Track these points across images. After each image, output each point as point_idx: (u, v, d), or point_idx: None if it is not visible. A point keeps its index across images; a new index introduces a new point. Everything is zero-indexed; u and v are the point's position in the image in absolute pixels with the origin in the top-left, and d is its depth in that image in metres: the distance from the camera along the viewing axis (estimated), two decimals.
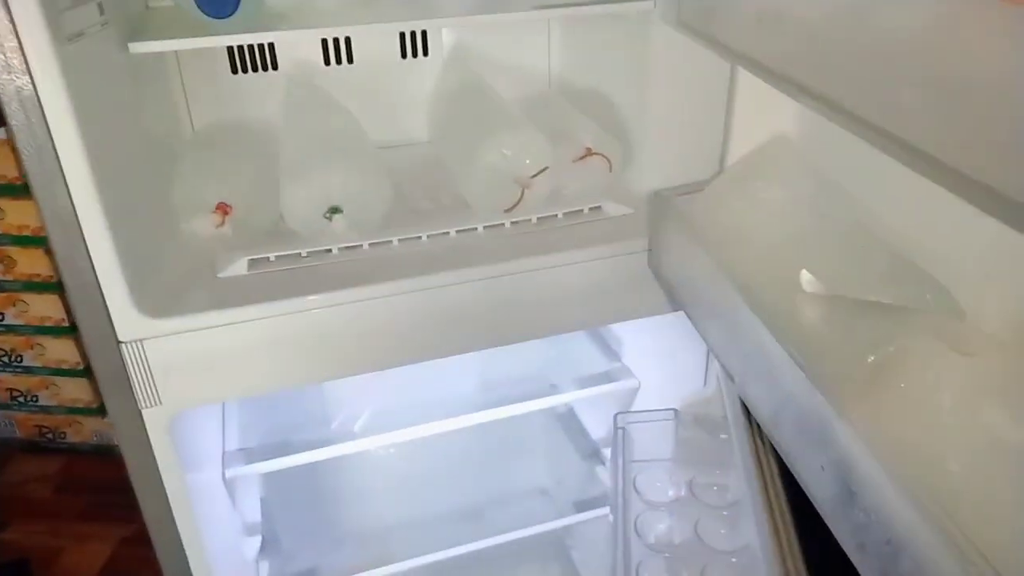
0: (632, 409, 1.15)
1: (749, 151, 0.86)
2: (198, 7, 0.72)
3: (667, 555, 0.86)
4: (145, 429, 0.75)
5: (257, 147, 0.97)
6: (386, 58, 1.08)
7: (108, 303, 0.69)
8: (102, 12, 0.69)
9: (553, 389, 1.28)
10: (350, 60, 1.06)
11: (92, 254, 0.67)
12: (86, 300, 0.68)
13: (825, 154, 0.75)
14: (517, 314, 0.85)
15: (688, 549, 0.85)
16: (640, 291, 0.87)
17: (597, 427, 1.34)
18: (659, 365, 1.10)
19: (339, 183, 0.84)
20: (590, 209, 0.91)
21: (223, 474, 0.99)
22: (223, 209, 0.83)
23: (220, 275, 0.79)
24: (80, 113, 0.63)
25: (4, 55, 0.59)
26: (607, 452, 1.29)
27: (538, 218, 0.89)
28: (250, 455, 1.02)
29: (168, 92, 0.99)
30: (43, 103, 0.61)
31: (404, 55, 1.08)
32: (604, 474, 1.30)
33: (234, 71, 1.03)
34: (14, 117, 0.61)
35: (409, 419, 1.07)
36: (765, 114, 0.82)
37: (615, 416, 0.94)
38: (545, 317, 0.86)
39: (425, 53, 1.08)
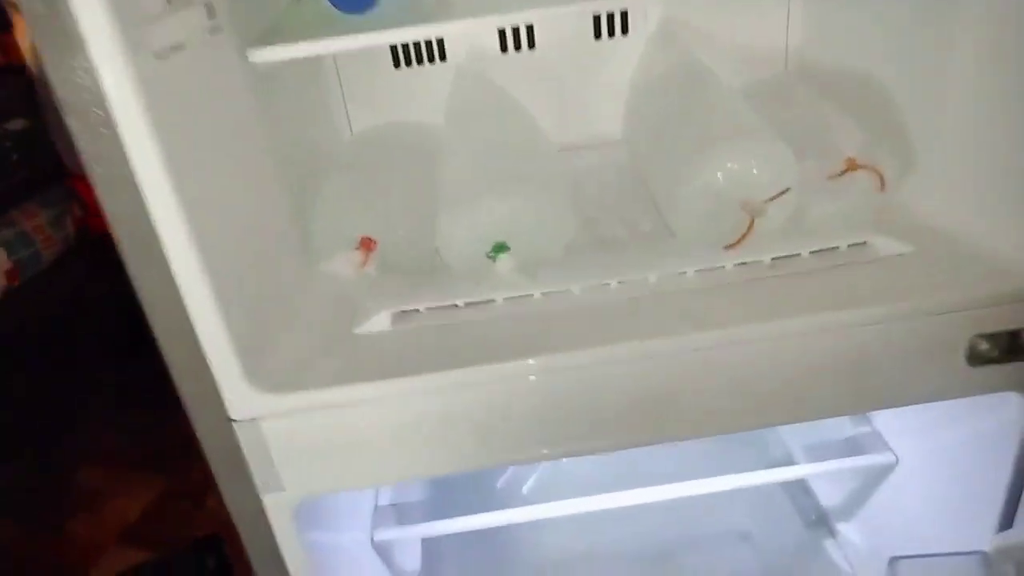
0: (886, 499, 0.87)
1: None
2: (330, 2, 0.55)
3: None
4: (266, 518, 0.62)
5: (417, 158, 0.80)
6: (575, 40, 0.87)
7: (216, 376, 0.55)
8: (212, 15, 0.54)
9: (776, 447, 1.03)
10: (531, 45, 0.86)
11: (195, 324, 0.53)
12: (191, 370, 0.55)
13: None
14: (739, 397, 0.61)
15: None
16: (934, 365, 0.60)
17: (829, 491, 1.07)
18: (930, 440, 0.81)
19: (507, 213, 0.66)
20: (850, 246, 0.65)
21: (371, 536, 0.85)
22: (367, 245, 0.68)
23: (357, 331, 0.64)
24: (175, 154, 0.48)
25: (77, 78, 0.46)
26: (841, 528, 1.01)
27: (773, 259, 0.65)
28: (403, 513, 0.88)
29: (321, 93, 0.85)
30: (124, 143, 0.47)
31: (598, 34, 0.86)
32: (835, 553, 1.03)
33: (396, 64, 0.87)
34: (94, 163, 0.48)
35: (589, 483, 0.88)
36: None
37: (890, 562, 0.67)
38: (782, 401, 0.62)
39: (624, 31, 0.86)
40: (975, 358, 0.59)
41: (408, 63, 0.87)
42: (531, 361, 0.58)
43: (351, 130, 0.89)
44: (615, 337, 0.59)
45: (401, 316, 0.65)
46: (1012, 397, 0.62)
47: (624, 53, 0.87)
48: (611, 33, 0.86)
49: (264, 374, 0.57)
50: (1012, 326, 0.59)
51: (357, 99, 0.89)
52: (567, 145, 0.91)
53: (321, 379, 0.58)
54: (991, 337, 0.59)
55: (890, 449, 0.87)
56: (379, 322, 0.64)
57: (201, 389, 0.56)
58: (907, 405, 0.63)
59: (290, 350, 0.60)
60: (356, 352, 0.61)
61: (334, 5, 0.55)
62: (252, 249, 0.60)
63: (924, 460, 0.82)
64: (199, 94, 0.53)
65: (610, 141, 0.91)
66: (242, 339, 0.55)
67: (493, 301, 0.65)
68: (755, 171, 0.64)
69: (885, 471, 0.87)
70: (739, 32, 0.87)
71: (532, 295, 0.65)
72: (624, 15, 0.85)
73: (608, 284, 0.65)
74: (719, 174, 0.65)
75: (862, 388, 0.61)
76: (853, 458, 0.87)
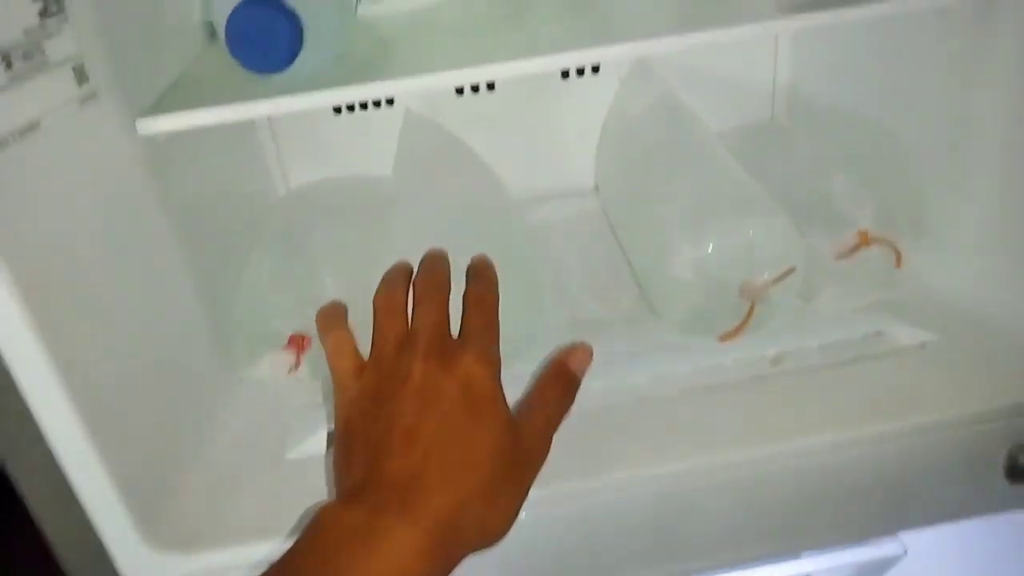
0: None
1: None
2: (238, 61, 0.44)
3: None
4: None
5: (360, 221, 0.69)
6: (540, 80, 0.77)
7: (105, 539, 0.44)
8: (83, 81, 0.43)
9: None
10: (490, 86, 0.76)
11: (71, 477, 0.42)
12: (73, 539, 0.44)
13: None
14: (746, 524, 0.52)
15: None
16: (968, 482, 0.52)
17: None
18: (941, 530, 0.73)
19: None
20: (864, 336, 0.56)
21: None
22: (298, 344, 0.57)
23: (289, 456, 0.53)
24: (25, 259, 0.37)
25: None
26: None
27: (776, 353, 0.56)
28: None
29: (249, 147, 0.74)
30: None
31: (565, 74, 0.76)
32: None
33: (337, 110, 0.76)
34: None
35: None
36: None
37: None
38: (795, 527, 0.53)
39: (595, 69, 0.76)
40: (1016, 474, 0.51)
41: (351, 108, 0.76)
42: None
43: (287, 186, 0.78)
44: (597, 465, 0.49)
45: None
46: None
47: (596, 94, 0.78)
48: (580, 72, 0.76)
49: (167, 529, 0.46)
50: None
51: (294, 150, 0.78)
52: (533, 196, 0.81)
53: (241, 531, 0.47)
54: None
55: (899, 539, 0.78)
56: (315, 443, 0.53)
57: (86, 558, 0.45)
58: (937, 525, 0.54)
59: (202, 491, 0.49)
60: (287, 485, 0.51)
61: (242, 64, 0.44)
62: (147, 362, 0.48)
63: (934, 553, 0.73)
64: (63, 180, 0.42)
65: (581, 191, 0.82)
66: (135, 485, 0.45)
67: None
68: (754, 249, 0.55)
69: (891, 563, 0.79)
70: (723, 68, 0.77)
71: None
72: None
73: (587, 385, 0.55)
74: (711, 252, 0.55)
75: (883, 511, 0.52)
76: (857, 549, 0.79)
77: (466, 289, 0.45)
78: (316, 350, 0.58)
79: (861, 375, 0.53)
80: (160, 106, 0.49)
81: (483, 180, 0.72)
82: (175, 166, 0.54)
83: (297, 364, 0.57)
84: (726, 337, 0.56)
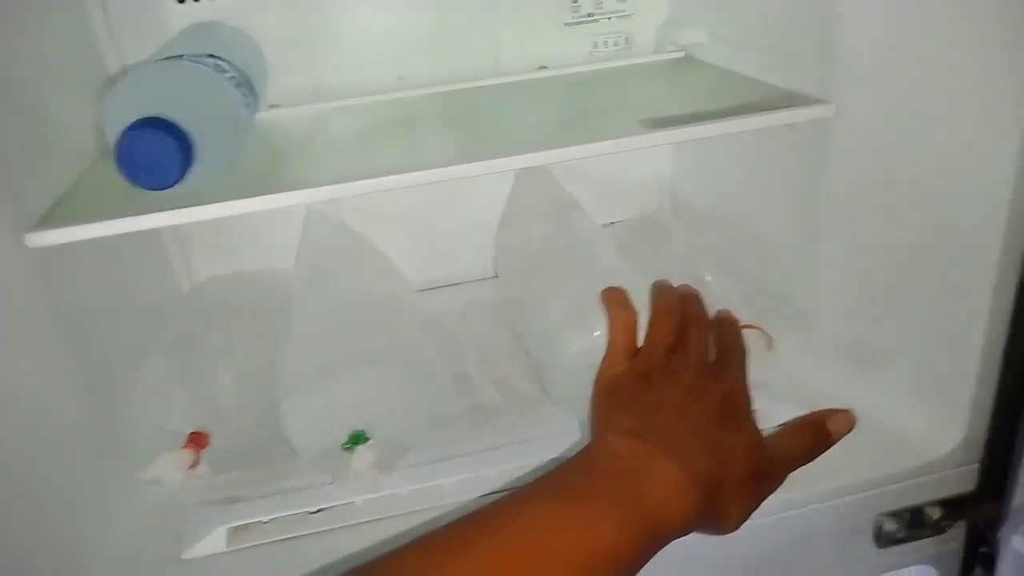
0: None
1: None
2: (130, 182, 0.46)
3: None
4: None
5: (263, 315, 0.70)
6: None
7: None
8: None
9: None
10: None
11: None
12: None
13: None
14: None
15: None
16: (843, 550, 0.56)
17: None
18: None
19: (360, 396, 0.57)
20: None
21: None
22: (198, 441, 0.57)
23: (185, 556, 0.52)
24: None
25: None
26: None
27: None
28: None
29: (150, 246, 0.74)
30: None
31: None
32: None
33: None
34: None
35: None
36: None
37: None
38: None
39: None
40: (883, 538, 0.55)
41: None
42: None
43: (190, 282, 0.79)
44: None
45: (241, 532, 0.54)
46: (927, 570, 0.57)
47: (492, 188, 0.82)
48: None
49: None
50: (915, 502, 0.55)
51: (197, 247, 0.78)
52: (435, 282, 0.84)
53: None
54: (895, 515, 0.54)
55: None
56: (213, 542, 0.53)
57: None
58: None
59: None
60: None
61: (132, 183, 0.45)
62: (35, 466, 0.48)
63: None
64: None
65: (480, 279, 0.85)
66: None
67: (352, 503, 0.56)
68: None
69: None
70: (610, 167, 0.83)
71: (400, 492, 0.56)
72: None
73: (484, 474, 0.57)
74: (596, 340, 0.58)
75: None
76: None
77: (721, 330, 0.51)
78: (214, 448, 0.58)
79: None
80: (50, 219, 0.50)
81: (383, 272, 0.74)
82: (66, 274, 0.54)
83: (197, 461, 0.56)
84: None
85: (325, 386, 0.57)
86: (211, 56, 0.56)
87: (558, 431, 0.60)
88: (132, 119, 0.45)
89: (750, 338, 0.61)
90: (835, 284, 0.60)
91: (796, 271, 0.64)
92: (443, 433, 0.62)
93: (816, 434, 0.46)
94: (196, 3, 0.69)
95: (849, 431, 0.48)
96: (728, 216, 0.74)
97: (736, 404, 0.45)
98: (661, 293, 0.53)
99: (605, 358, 0.50)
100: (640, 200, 0.85)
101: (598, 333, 0.58)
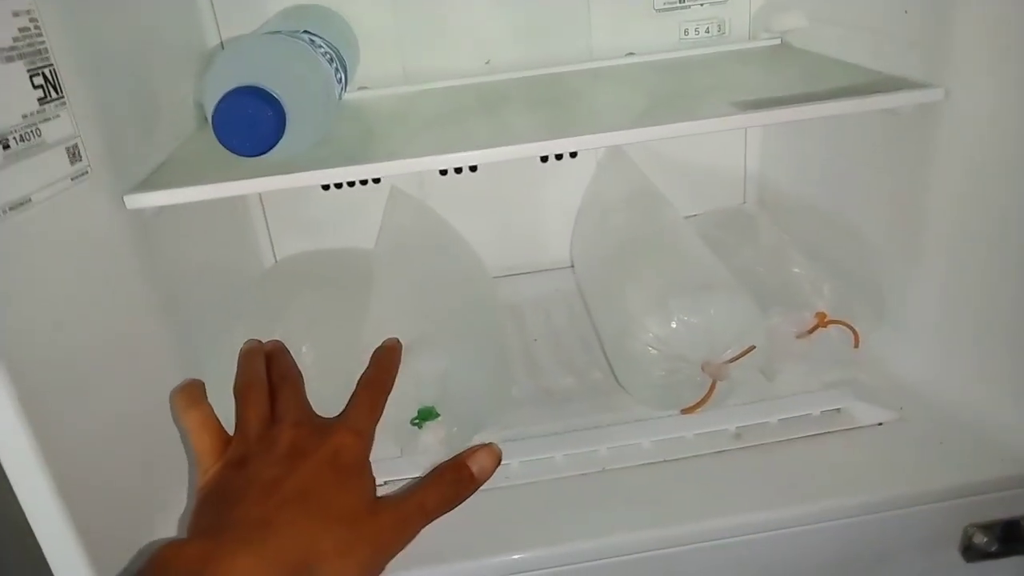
0: None
1: None
2: (224, 146, 0.47)
3: None
4: None
5: (342, 293, 0.72)
6: (520, 163, 0.80)
7: None
8: (76, 159, 0.46)
9: None
10: (473, 169, 0.79)
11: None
12: None
13: None
14: None
15: None
16: (926, 561, 0.53)
17: None
18: None
19: (436, 372, 0.57)
20: (823, 412, 0.57)
21: None
22: None
23: None
24: (11, 344, 0.39)
25: None
26: None
27: (738, 428, 0.57)
28: None
29: (239, 221, 0.77)
30: None
31: (544, 157, 0.80)
32: None
33: (325, 187, 0.79)
34: None
35: None
36: None
37: None
38: None
39: (573, 154, 0.80)
40: (972, 552, 0.52)
41: (339, 186, 0.80)
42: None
43: (275, 257, 0.81)
44: (560, 535, 0.50)
45: None
46: None
47: (573, 176, 0.81)
48: (559, 156, 0.80)
49: None
50: (1011, 514, 0.51)
51: (283, 223, 0.81)
52: (512, 268, 0.84)
53: None
54: (987, 528, 0.51)
55: None
56: None
57: None
58: None
59: None
60: None
61: (226, 148, 0.47)
62: (129, 433, 0.50)
63: None
64: (53, 252, 0.44)
65: (557, 267, 0.85)
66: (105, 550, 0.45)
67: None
68: (717, 327, 0.57)
69: None
70: (695, 156, 0.81)
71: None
72: None
73: (552, 457, 0.57)
74: (674, 330, 0.57)
75: None
76: None
77: (363, 372, 0.48)
78: None
79: (819, 451, 0.55)
80: (149, 183, 0.52)
81: (462, 256, 0.75)
82: (163, 238, 0.57)
83: None
84: (688, 410, 0.58)
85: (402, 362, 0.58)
86: (306, 32, 0.58)
87: (628, 419, 0.59)
88: (230, 87, 0.46)
89: (836, 333, 0.59)
90: (937, 281, 0.57)
91: (890, 266, 0.61)
92: (514, 414, 0.62)
93: (456, 478, 0.43)
94: None
95: (497, 465, 0.44)
96: (819, 207, 0.71)
97: (346, 459, 0.41)
98: (241, 362, 0.49)
99: (197, 471, 0.44)
100: (724, 193, 0.83)
101: (675, 322, 0.57)
